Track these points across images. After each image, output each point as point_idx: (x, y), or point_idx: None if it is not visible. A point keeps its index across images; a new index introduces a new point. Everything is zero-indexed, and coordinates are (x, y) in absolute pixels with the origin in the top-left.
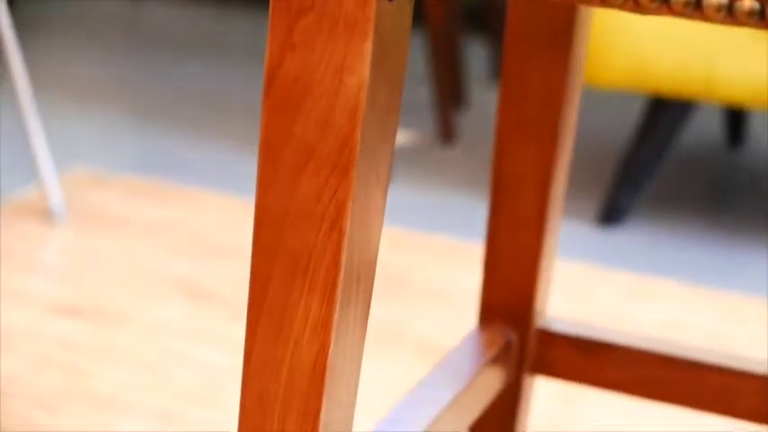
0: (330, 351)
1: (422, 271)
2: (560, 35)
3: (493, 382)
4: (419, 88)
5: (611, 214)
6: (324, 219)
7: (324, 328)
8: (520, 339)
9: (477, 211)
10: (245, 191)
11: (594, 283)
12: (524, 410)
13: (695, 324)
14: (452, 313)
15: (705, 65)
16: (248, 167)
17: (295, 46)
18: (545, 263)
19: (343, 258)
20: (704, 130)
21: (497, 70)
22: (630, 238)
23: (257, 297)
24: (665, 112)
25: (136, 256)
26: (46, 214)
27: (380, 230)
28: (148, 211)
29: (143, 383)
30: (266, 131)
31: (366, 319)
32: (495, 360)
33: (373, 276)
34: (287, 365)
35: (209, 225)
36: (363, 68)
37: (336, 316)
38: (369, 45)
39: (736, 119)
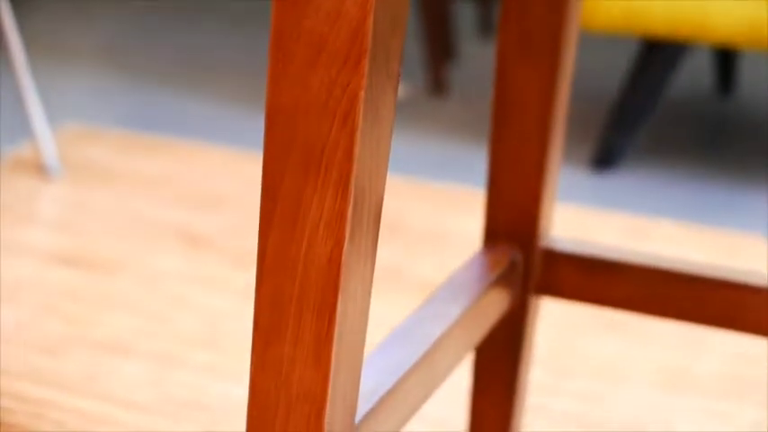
0: (345, 246)
1: (419, 216)
2: None
3: (498, 301)
4: (411, 43)
5: (606, 158)
6: (336, 113)
7: (338, 223)
8: (525, 259)
9: (470, 160)
10: (236, 143)
11: (591, 226)
12: (530, 333)
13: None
14: (451, 255)
15: (698, 5)
16: (238, 122)
17: None
18: (548, 182)
19: (356, 152)
20: (695, 77)
21: (487, 26)
22: (625, 181)
23: (270, 195)
24: (658, 55)
25: (132, 206)
26: (41, 169)
27: (392, 127)
28: (142, 163)
29: (144, 328)
30: (276, 26)
31: (379, 217)
32: (500, 280)
33: (385, 174)
34: (301, 262)
35: (204, 175)
36: None
37: (350, 211)
38: None
39: (726, 66)
